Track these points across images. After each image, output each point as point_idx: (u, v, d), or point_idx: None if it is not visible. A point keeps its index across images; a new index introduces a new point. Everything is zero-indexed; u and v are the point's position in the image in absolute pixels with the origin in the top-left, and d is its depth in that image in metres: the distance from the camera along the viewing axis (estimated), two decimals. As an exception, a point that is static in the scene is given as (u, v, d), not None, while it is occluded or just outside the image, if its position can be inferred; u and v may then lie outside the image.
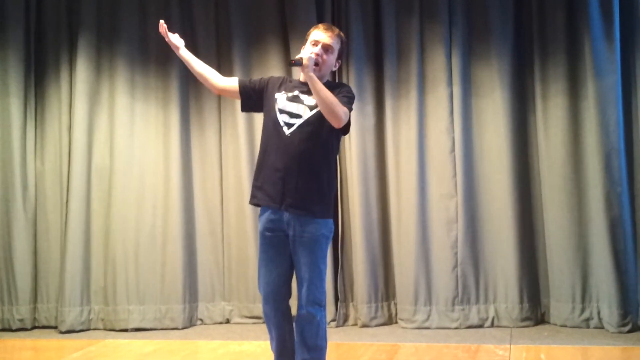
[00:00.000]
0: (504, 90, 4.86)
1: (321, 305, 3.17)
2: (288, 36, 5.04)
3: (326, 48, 3.20)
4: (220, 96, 5.15)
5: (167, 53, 5.10)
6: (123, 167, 5.08)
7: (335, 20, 5.06)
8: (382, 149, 5.03)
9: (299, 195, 3.10)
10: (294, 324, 3.23)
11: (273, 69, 5.02)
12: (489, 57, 4.91)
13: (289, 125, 3.14)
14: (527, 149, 4.93)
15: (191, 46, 5.07)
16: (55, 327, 5.06)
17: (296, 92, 3.22)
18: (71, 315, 4.96)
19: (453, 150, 4.91)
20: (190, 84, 5.18)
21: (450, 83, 4.92)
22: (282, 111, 3.18)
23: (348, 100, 3.15)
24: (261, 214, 3.22)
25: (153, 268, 5.07)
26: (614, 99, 4.62)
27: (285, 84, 3.29)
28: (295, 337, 3.24)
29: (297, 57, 3.10)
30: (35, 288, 5.14)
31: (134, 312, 5.02)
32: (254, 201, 3.22)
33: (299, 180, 3.10)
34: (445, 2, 4.93)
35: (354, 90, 4.85)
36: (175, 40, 3.35)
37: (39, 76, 5.21)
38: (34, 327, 5.12)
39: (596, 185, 4.64)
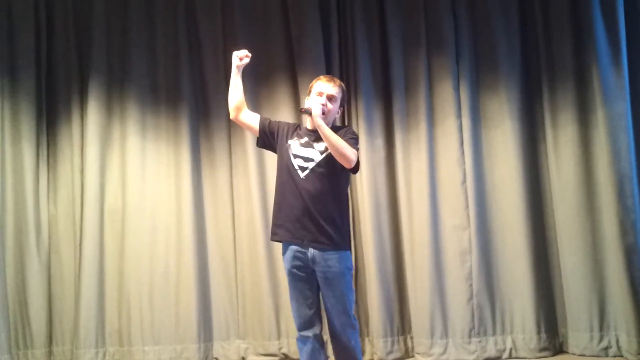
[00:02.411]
0: (513, 121, 4.88)
1: (354, 328, 3.44)
2: (296, 74, 5.04)
3: (330, 98, 3.54)
4: (231, 135, 5.18)
5: (177, 93, 5.17)
6: (135, 208, 5.09)
7: (342, 55, 5.09)
8: (393, 182, 5.02)
9: (319, 231, 3.40)
10: (333, 352, 3.50)
11: (281, 108, 5.05)
12: (497, 88, 4.93)
13: (303, 169, 3.45)
14: (538, 178, 4.93)
15: (200, 86, 5.17)
16: (71, 370, 5.05)
17: (307, 139, 3.53)
18: (86, 357, 4.95)
19: (464, 181, 4.90)
20: (201, 123, 5.21)
21: (459, 115, 4.93)
22: (296, 156, 3.49)
23: (355, 142, 3.48)
24: (284, 252, 3.50)
25: (167, 308, 5.06)
26: (624, 126, 4.63)
27: (296, 131, 3.61)
28: None
29: (307, 106, 3.46)
30: (50, 331, 5.12)
31: (149, 352, 5.01)
32: (276, 238, 3.52)
33: (317, 218, 3.39)
34: (451, 35, 4.95)
35: (364, 124, 4.97)
36: (240, 69, 3.64)
37: (51, 120, 5.24)
38: (49, 371, 5.11)
39: (610, 212, 4.63)
